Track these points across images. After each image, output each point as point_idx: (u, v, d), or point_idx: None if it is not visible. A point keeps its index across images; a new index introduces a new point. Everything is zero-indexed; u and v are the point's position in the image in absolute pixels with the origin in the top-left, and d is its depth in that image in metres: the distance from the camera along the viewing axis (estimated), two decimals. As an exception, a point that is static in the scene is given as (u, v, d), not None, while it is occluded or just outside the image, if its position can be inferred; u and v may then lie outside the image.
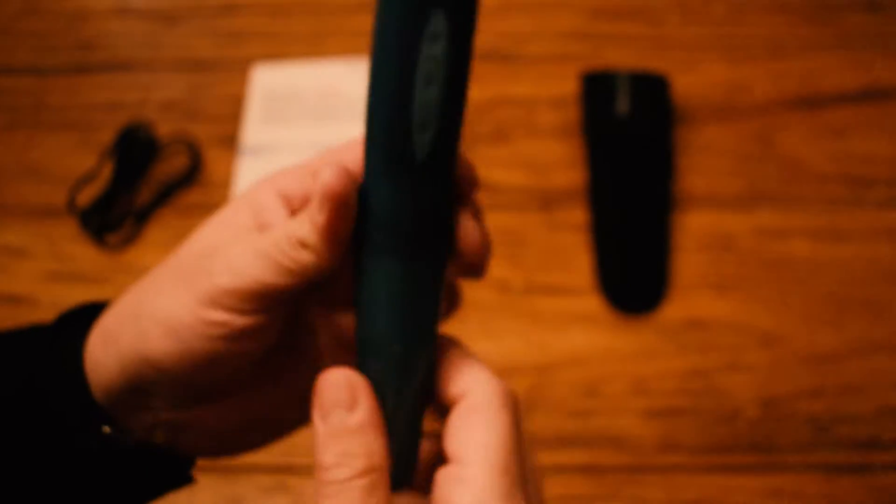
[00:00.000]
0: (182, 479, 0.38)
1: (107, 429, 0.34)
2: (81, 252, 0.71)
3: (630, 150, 0.73)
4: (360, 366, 0.33)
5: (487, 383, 0.32)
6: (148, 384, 0.33)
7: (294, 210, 0.34)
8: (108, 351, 0.33)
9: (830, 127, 0.76)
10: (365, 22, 0.83)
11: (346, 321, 0.35)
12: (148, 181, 0.74)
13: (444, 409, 0.33)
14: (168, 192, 0.73)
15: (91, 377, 0.34)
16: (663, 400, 0.64)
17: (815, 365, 0.65)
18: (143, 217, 0.72)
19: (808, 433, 0.63)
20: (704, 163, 0.75)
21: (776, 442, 0.62)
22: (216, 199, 0.73)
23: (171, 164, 0.75)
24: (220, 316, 0.31)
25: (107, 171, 0.74)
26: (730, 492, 0.61)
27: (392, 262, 0.31)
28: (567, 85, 0.78)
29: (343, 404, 0.31)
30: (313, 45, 0.82)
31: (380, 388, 0.32)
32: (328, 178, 0.30)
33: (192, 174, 0.74)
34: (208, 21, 0.83)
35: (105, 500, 0.36)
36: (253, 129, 0.72)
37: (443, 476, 0.30)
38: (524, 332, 0.67)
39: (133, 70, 0.81)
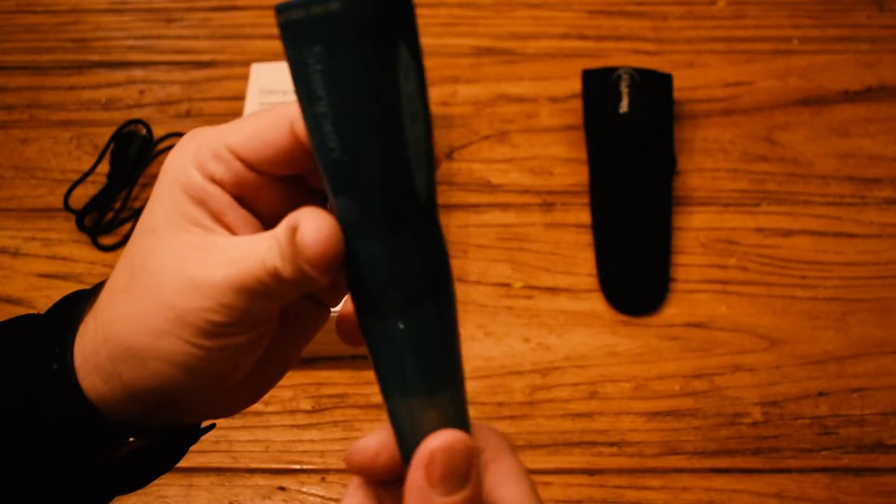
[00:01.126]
0: (202, 430, 0.38)
1: (132, 440, 0.34)
2: (77, 253, 0.70)
3: (631, 149, 0.73)
4: (404, 427, 0.31)
5: (493, 432, 0.31)
6: (167, 406, 0.33)
7: (228, 180, 0.31)
8: (111, 386, 0.33)
9: (834, 126, 0.76)
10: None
11: None
12: (144, 181, 0.73)
13: None
14: (165, 192, 0.73)
15: (99, 406, 0.33)
16: (665, 402, 0.64)
17: (818, 367, 0.65)
18: (139, 217, 0.71)
19: (812, 436, 0.62)
20: (706, 162, 0.74)
21: (779, 444, 0.62)
22: (213, 199, 0.72)
23: (168, 164, 0.74)
24: (230, 341, 0.31)
25: (103, 171, 0.73)
26: (733, 495, 0.60)
27: (415, 318, 0.29)
28: (568, 83, 0.78)
29: (461, 475, 0.29)
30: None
31: None
32: (312, 245, 0.28)
33: (189, 173, 0.73)
34: (206, 18, 0.83)
35: (133, 482, 0.36)
36: (250, 128, 0.71)
37: None
38: (524, 332, 0.67)
39: (130, 68, 0.80)
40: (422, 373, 0.30)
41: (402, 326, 0.29)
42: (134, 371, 0.32)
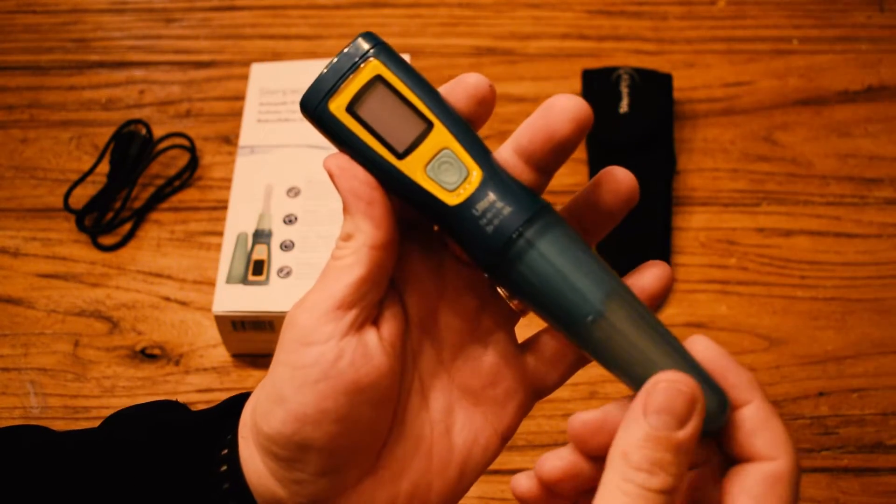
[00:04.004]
0: None
1: None
2: (77, 253, 0.70)
3: (631, 149, 0.73)
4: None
5: (793, 456, 0.31)
6: (288, 469, 0.34)
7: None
8: (250, 451, 0.34)
9: (834, 126, 0.76)
10: (365, 20, 0.83)
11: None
12: (144, 181, 0.73)
13: (731, 456, 0.32)
14: (165, 192, 0.73)
15: (250, 482, 0.35)
16: (665, 402, 0.63)
17: (818, 367, 0.65)
18: (139, 217, 0.71)
19: (812, 436, 0.62)
20: (706, 162, 0.74)
21: (779, 444, 0.62)
22: (213, 199, 0.72)
23: (168, 164, 0.74)
24: (310, 353, 0.32)
25: (103, 171, 0.73)
26: (733, 495, 0.60)
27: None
28: (569, 83, 0.77)
29: (678, 415, 0.29)
30: (313, 44, 0.81)
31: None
32: (327, 163, 0.33)
33: (190, 173, 0.73)
34: (206, 18, 0.83)
35: None
36: (251, 129, 0.71)
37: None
38: (525, 332, 0.66)
39: (130, 68, 0.80)
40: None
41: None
42: (251, 419, 0.34)
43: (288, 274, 0.63)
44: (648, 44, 0.80)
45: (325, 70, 0.33)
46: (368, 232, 0.32)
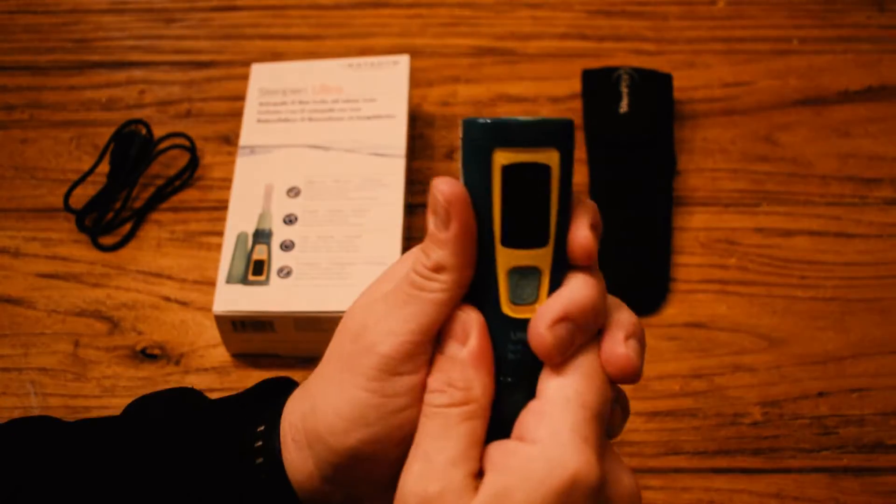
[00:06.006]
0: None
1: None
2: (77, 253, 0.70)
3: (631, 149, 0.73)
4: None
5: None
6: (347, 475, 0.35)
7: None
8: (302, 454, 0.35)
9: (834, 126, 0.76)
10: (365, 20, 0.83)
11: None
12: (144, 181, 0.73)
13: None
14: (165, 192, 0.73)
15: (293, 478, 0.36)
16: (665, 402, 0.64)
17: (818, 367, 0.65)
18: (139, 217, 0.71)
19: (812, 436, 0.62)
20: (706, 162, 0.74)
21: (779, 444, 0.62)
22: (213, 199, 0.72)
23: (168, 164, 0.74)
24: (399, 383, 0.33)
25: (103, 171, 0.73)
26: (733, 495, 0.60)
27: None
28: (568, 83, 0.78)
29: (457, 338, 0.33)
30: (313, 44, 0.81)
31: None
32: (444, 187, 0.32)
33: (190, 173, 0.73)
34: (206, 18, 0.83)
35: None
36: (251, 129, 0.71)
37: (526, 409, 0.33)
38: (525, 333, 0.67)
39: (130, 68, 0.80)
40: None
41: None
42: (312, 426, 0.35)
43: (288, 274, 0.63)
44: (648, 44, 0.81)
45: (526, 121, 0.32)
46: (462, 272, 0.33)
